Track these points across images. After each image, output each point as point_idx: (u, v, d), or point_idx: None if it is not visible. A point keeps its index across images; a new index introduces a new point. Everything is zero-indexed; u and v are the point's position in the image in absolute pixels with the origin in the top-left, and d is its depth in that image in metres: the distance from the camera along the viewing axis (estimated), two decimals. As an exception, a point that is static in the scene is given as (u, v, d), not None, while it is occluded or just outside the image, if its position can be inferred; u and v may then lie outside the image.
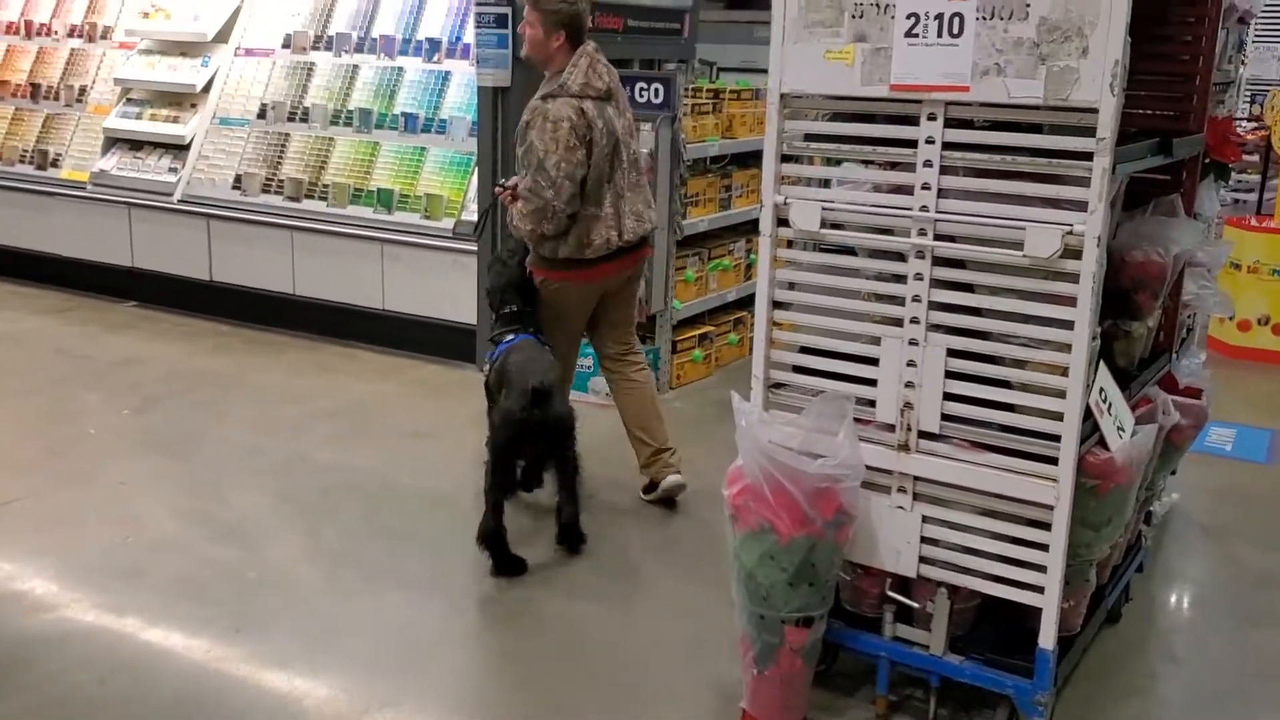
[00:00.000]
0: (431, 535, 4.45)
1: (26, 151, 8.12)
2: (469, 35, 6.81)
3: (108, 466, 5.00)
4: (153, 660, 3.49)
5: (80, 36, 8.28)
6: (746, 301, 6.93)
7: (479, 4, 6.04)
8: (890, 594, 3.15)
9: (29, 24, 8.50)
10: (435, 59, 6.95)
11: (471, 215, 6.47)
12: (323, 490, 4.81)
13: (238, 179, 7.24)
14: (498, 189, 4.50)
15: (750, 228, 6.89)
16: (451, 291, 6.55)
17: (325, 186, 7.00)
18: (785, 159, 3.07)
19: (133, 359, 6.60)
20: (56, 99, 8.18)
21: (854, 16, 2.86)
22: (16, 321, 7.26)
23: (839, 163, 3.21)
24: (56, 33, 8.39)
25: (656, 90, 5.79)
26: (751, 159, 6.77)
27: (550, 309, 4.50)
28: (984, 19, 2.69)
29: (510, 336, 4.37)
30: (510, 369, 4.16)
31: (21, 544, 4.22)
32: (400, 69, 7.05)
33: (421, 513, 4.66)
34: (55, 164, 7.99)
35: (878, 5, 2.82)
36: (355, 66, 7.17)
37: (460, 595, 4.01)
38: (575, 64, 4.31)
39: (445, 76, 6.93)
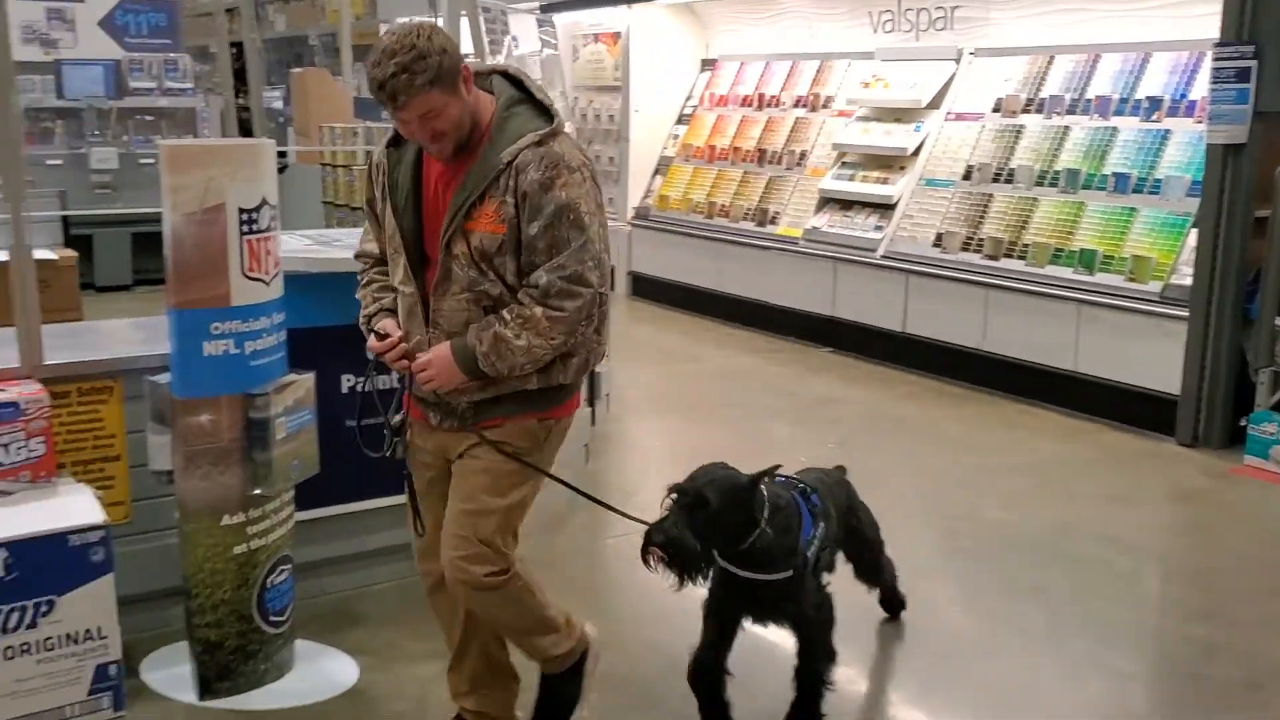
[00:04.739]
0: (1103, 608, 4.25)
1: (750, 209, 9.16)
2: (1195, 92, 6.51)
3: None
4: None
5: (804, 106, 9.18)
6: None
7: (1218, 57, 5.74)
8: None
9: (761, 96, 9.60)
10: (1154, 117, 6.70)
11: (1183, 279, 6.12)
12: (992, 543, 4.81)
13: (939, 237, 7.54)
14: (381, 348, 2.82)
15: None
16: (1152, 357, 6.24)
17: (1025, 246, 7.04)
18: None
19: (831, 399, 7.14)
20: (779, 163, 9.14)
21: None
22: (733, 359, 8.21)
23: None
24: (784, 103, 9.38)
25: None
26: None
27: (533, 473, 2.89)
28: None
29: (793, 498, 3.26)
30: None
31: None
32: (1114, 129, 6.89)
33: (1095, 583, 4.47)
34: (774, 221, 8.92)
35: None
36: (1066, 128, 7.14)
37: (1122, 677, 3.78)
38: (500, 91, 2.79)
39: (1164, 135, 6.64)
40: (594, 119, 11.11)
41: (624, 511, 3.03)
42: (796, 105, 9.27)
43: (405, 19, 12.44)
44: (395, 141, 2.84)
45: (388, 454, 2.94)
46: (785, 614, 3.20)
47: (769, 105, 9.51)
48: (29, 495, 3.26)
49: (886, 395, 7.24)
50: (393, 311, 2.89)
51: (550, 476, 2.93)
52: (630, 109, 10.33)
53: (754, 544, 3.03)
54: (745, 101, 9.74)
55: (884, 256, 7.84)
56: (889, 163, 8.15)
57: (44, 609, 3.10)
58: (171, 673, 3.50)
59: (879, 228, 8.00)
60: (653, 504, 3.02)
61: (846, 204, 8.39)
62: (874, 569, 3.87)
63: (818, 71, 9.22)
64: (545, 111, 2.76)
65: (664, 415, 6.91)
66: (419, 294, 2.80)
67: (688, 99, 10.44)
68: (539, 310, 2.67)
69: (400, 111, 2.61)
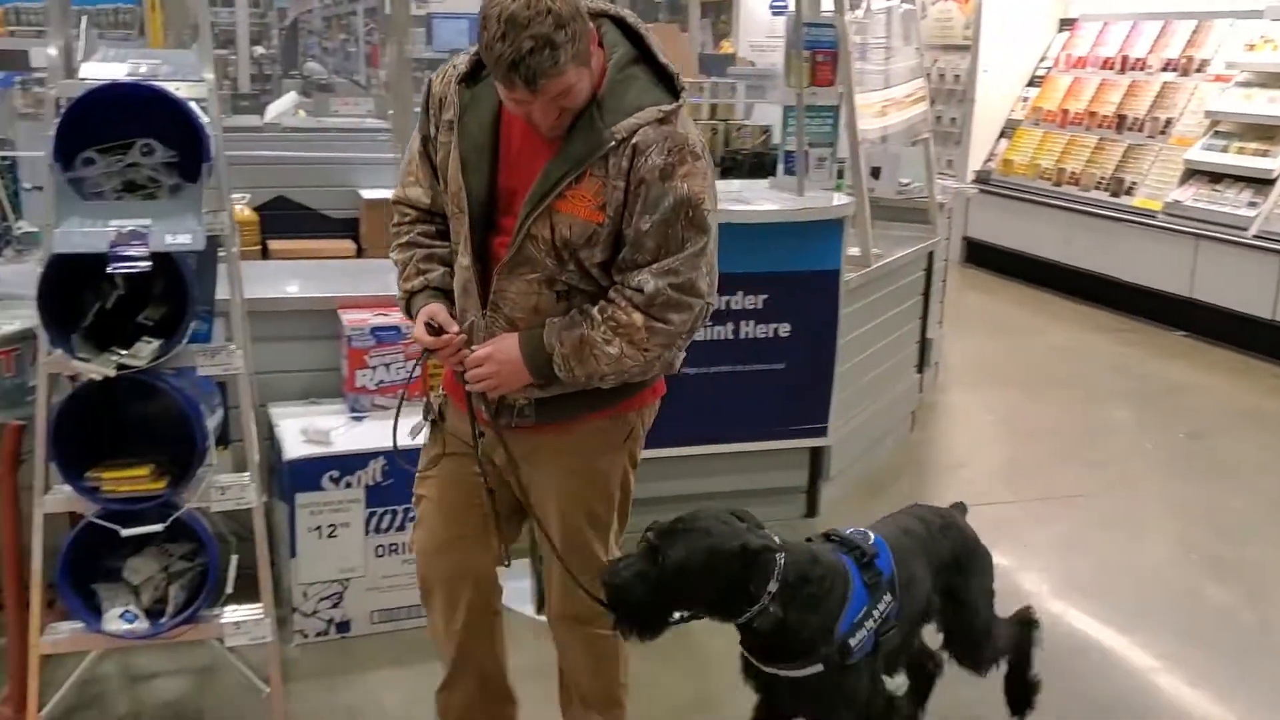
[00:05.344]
0: None
1: (1104, 179, 8.59)
2: None
3: (1154, 484, 5.09)
4: (1146, 686, 3.47)
5: (1173, 70, 8.49)
6: None
7: None
8: None
9: (1124, 59, 8.96)
10: None
11: None
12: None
13: (1325, 217, 6.80)
14: (435, 344, 2.35)
15: None
16: None
17: None
18: None
19: (1181, 386, 6.63)
20: (1140, 130, 8.50)
21: None
22: (1074, 335, 7.77)
23: None
24: (1150, 67, 8.71)
25: None
26: None
27: (630, 469, 2.52)
28: None
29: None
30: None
31: (1075, 540, 4.48)
32: None
33: None
34: (1129, 192, 8.33)
35: None
36: None
37: None
38: (613, 44, 2.23)
39: None
40: (938, 78, 10.75)
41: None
42: (1165, 69, 8.58)
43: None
44: (470, 77, 2.27)
45: (412, 436, 2.60)
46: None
47: (1133, 68, 8.86)
48: (404, 412, 3.57)
49: (1248, 386, 6.64)
50: (441, 292, 2.39)
51: (586, 591, 2.43)
52: (978, 69, 9.90)
53: (754, 623, 2.32)
54: (1106, 64, 9.13)
55: (1257, 236, 7.16)
56: (1271, 133, 7.41)
57: (411, 514, 3.41)
58: (513, 586, 3.74)
59: (1253, 204, 7.30)
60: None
61: (1216, 177, 7.70)
62: (971, 646, 2.84)
63: (1193, 32, 8.49)
64: (666, 77, 2.22)
65: (995, 389, 6.65)
66: (478, 268, 2.31)
67: (1041, 60, 9.90)
68: (639, 317, 2.21)
69: (535, 94, 2.06)
